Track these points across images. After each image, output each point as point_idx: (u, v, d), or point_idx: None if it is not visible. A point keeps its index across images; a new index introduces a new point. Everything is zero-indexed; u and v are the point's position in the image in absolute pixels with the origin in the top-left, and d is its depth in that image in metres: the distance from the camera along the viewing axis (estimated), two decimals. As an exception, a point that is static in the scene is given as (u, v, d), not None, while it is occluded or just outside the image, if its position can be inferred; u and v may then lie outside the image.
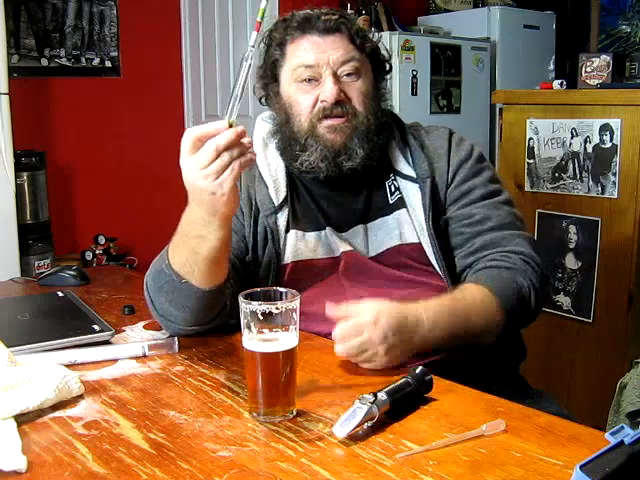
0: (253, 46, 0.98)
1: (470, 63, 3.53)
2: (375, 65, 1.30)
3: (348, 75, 1.24)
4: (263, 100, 1.36)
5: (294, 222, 1.28)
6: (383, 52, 1.33)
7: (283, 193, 1.28)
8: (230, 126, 0.95)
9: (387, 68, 1.35)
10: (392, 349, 1.01)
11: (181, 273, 1.10)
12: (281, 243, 1.26)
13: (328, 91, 1.21)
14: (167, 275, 1.11)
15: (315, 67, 1.23)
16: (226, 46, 3.76)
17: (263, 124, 1.37)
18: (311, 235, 1.27)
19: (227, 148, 0.94)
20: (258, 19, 0.98)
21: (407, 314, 1.05)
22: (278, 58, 1.28)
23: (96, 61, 3.70)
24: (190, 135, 0.95)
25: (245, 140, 0.96)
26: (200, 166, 0.94)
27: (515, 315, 1.18)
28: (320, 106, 1.23)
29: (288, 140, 1.27)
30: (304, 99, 1.24)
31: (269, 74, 1.31)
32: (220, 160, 0.94)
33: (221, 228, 1.02)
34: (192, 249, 1.06)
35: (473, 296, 1.14)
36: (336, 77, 1.23)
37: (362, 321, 1.00)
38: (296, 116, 1.25)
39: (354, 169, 1.24)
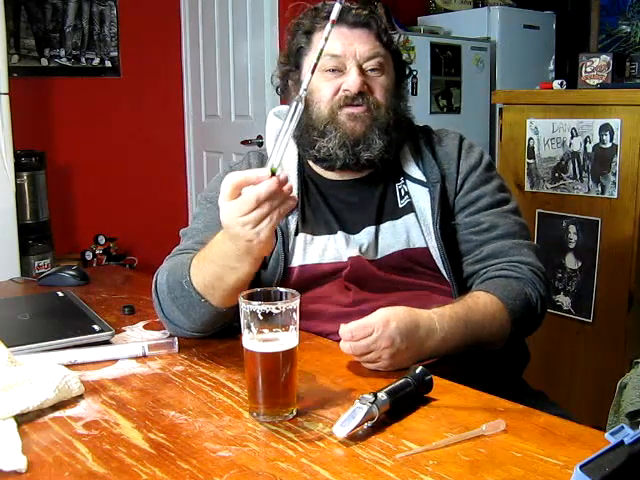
0: (306, 89, 0.91)
1: (470, 63, 3.53)
2: (397, 65, 1.31)
3: (372, 70, 1.24)
4: (279, 90, 1.36)
5: (303, 225, 1.27)
6: (404, 56, 1.34)
7: (295, 194, 1.28)
8: (273, 173, 0.90)
9: (407, 72, 1.36)
10: (398, 354, 1.01)
11: (201, 293, 1.10)
12: (289, 246, 1.25)
13: (352, 81, 1.21)
14: (186, 290, 1.11)
15: (341, 57, 1.23)
16: (226, 46, 3.75)
17: (276, 120, 1.36)
18: (320, 239, 1.26)
19: (268, 198, 0.90)
20: (315, 60, 0.91)
21: (419, 322, 1.05)
22: (303, 46, 1.28)
23: (96, 61, 3.69)
24: (229, 182, 0.91)
25: (286, 187, 0.91)
26: (239, 213, 0.91)
27: (523, 324, 1.19)
28: (342, 95, 1.23)
29: (305, 127, 1.26)
30: (326, 86, 1.24)
31: (292, 61, 1.31)
32: (260, 210, 0.90)
33: (252, 265, 1.01)
34: (219, 276, 1.05)
35: (486, 306, 1.14)
36: (361, 69, 1.23)
37: (372, 322, 1.00)
38: (316, 103, 1.25)
39: (371, 160, 1.24)
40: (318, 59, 0.90)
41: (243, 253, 0.98)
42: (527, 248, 1.25)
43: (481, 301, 1.14)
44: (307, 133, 1.26)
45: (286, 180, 0.92)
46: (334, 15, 0.89)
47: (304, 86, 0.91)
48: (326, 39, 0.90)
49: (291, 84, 1.32)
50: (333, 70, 1.24)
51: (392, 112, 1.25)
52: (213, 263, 1.05)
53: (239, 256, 0.99)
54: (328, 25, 0.90)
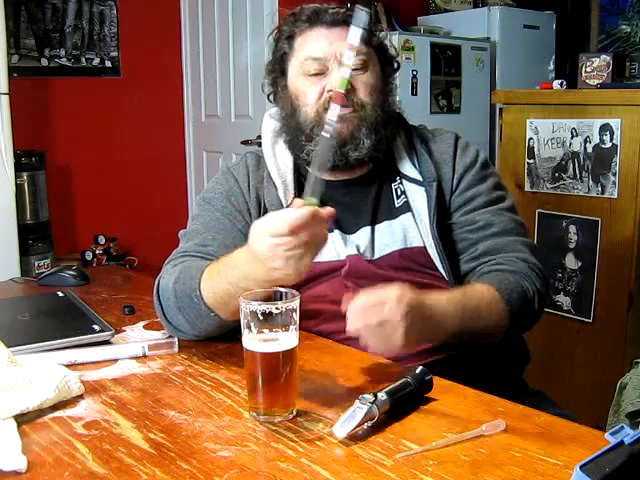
0: (333, 120, 0.92)
1: (470, 63, 3.52)
2: (382, 60, 1.31)
3: (355, 69, 1.23)
4: (271, 97, 1.36)
5: None
6: (390, 50, 1.33)
7: (292, 195, 1.28)
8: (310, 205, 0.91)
9: (395, 66, 1.35)
10: (411, 329, 0.97)
11: (212, 307, 1.09)
12: None
13: (335, 80, 1.21)
14: (195, 303, 1.10)
15: (323, 60, 1.23)
16: (226, 46, 3.76)
17: (271, 121, 1.37)
18: None
19: (312, 236, 0.90)
20: (340, 90, 0.92)
21: (424, 299, 1.03)
22: (287, 51, 1.29)
23: (96, 61, 3.69)
24: (286, 221, 0.89)
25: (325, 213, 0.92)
26: (286, 247, 0.90)
27: (520, 318, 1.18)
28: (327, 96, 1.23)
29: (294, 132, 1.27)
30: (311, 90, 1.24)
31: (277, 68, 1.31)
32: (307, 247, 0.90)
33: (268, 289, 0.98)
34: (232, 294, 1.03)
35: (482, 294, 1.13)
36: None
37: (385, 296, 0.97)
38: (302, 107, 1.25)
39: (361, 159, 1.24)
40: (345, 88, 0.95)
41: (270, 281, 0.95)
42: (522, 245, 1.24)
43: (478, 290, 1.14)
44: (296, 138, 1.27)
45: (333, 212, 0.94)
46: (353, 39, 0.93)
47: (329, 117, 0.94)
48: (346, 65, 0.95)
49: (280, 90, 1.32)
50: (316, 74, 1.24)
51: (379, 109, 1.25)
52: (229, 284, 1.03)
53: (261, 283, 0.96)
54: (346, 51, 0.94)
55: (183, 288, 1.13)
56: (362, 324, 0.97)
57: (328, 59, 1.23)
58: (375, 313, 0.96)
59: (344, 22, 1.24)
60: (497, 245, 1.23)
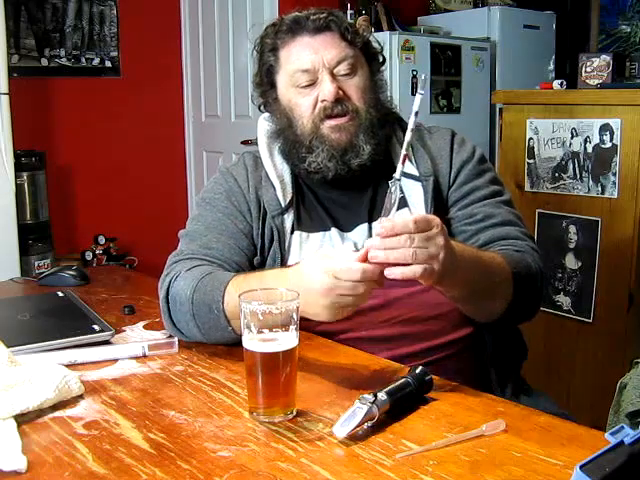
0: (399, 179, 0.97)
1: (470, 63, 3.52)
2: (369, 58, 1.30)
3: (344, 75, 1.24)
4: (262, 107, 1.36)
5: (298, 224, 1.27)
6: (374, 45, 1.33)
7: (290, 194, 1.28)
8: None
9: (380, 60, 1.34)
10: (446, 258, 0.94)
11: (231, 322, 1.09)
12: (286, 244, 1.26)
13: (327, 90, 1.21)
14: (214, 315, 1.10)
15: (312, 70, 1.23)
16: (226, 46, 3.76)
17: (265, 124, 1.37)
18: (315, 236, 1.26)
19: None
20: (404, 151, 0.98)
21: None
22: (273, 64, 1.28)
23: (96, 61, 3.69)
24: (358, 271, 0.91)
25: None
26: (341, 291, 0.92)
27: (523, 289, 1.14)
28: (321, 106, 1.23)
29: (292, 143, 1.27)
30: (304, 101, 1.24)
31: (266, 81, 1.31)
32: (354, 299, 0.93)
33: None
34: None
35: (493, 255, 1.13)
36: (333, 75, 1.23)
37: (430, 217, 0.95)
38: (298, 119, 1.25)
39: (363, 165, 1.24)
40: (407, 149, 0.98)
41: (302, 311, 0.95)
42: (522, 234, 1.24)
43: (489, 252, 1.14)
44: (294, 149, 1.27)
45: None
46: (417, 106, 0.96)
47: (397, 175, 0.97)
48: (412, 130, 0.97)
49: (271, 102, 1.32)
50: (308, 85, 1.23)
51: (373, 110, 1.25)
52: None
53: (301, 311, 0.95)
54: (411, 117, 0.96)
55: (203, 298, 1.12)
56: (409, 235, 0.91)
57: (317, 69, 1.23)
58: (423, 227, 0.93)
59: (326, 27, 1.24)
60: (498, 235, 1.23)
